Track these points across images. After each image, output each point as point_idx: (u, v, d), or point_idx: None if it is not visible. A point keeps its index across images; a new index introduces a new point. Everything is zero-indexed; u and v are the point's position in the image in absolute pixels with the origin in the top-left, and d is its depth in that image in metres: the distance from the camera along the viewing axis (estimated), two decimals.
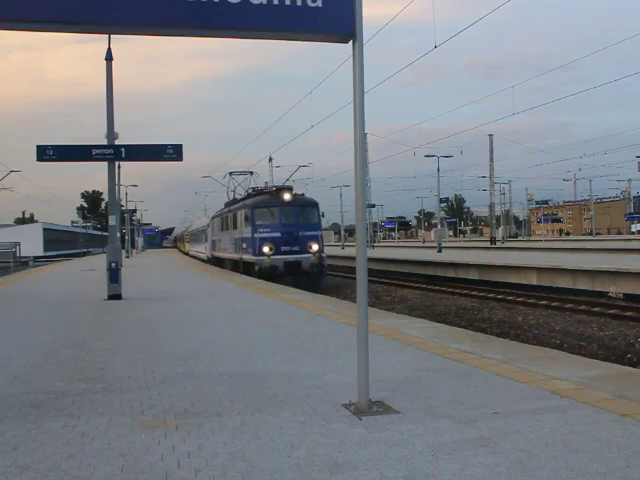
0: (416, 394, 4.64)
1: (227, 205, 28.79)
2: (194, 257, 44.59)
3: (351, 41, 4.39)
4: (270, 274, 19.35)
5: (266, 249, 19.98)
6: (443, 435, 3.70)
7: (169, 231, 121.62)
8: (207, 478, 3.13)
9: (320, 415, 4.17)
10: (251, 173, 29.67)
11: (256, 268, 19.90)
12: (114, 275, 12.97)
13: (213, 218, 32.43)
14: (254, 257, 20.25)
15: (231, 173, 30.04)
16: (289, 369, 5.64)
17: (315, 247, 20.31)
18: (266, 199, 21.52)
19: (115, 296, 12.75)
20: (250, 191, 24.94)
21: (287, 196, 20.84)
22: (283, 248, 20.16)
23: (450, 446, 3.50)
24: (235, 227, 23.63)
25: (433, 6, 17.37)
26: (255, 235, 20.50)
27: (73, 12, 4.00)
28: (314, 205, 21.93)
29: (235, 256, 23.44)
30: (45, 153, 13.01)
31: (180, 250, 68.11)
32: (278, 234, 20.28)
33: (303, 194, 22.80)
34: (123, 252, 25.00)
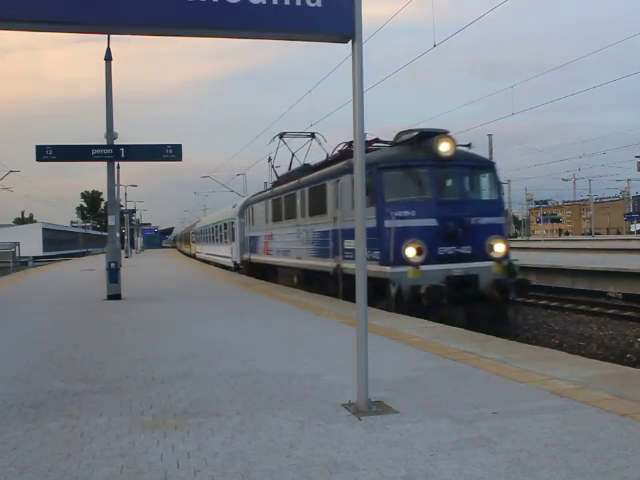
0: (415, 394, 4.64)
1: (285, 179, 18.14)
2: (205, 261, 34.94)
3: (350, 41, 4.39)
4: (431, 302, 9.67)
5: (411, 252, 10.18)
6: (442, 435, 3.70)
7: (168, 231, 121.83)
8: (206, 478, 3.13)
9: (319, 415, 4.17)
10: (313, 136, 18.79)
11: (392, 290, 9.98)
12: (113, 275, 12.99)
13: (247, 205, 22.77)
14: (386, 268, 10.13)
15: (282, 136, 19.06)
16: (288, 369, 5.64)
17: (500, 247, 10.82)
18: (403, 154, 11.13)
19: (114, 296, 12.77)
20: (344, 146, 13.77)
21: (445, 147, 10.77)
22: (442, 249, 10.42)
23: (449, 446, 3.50)
24: (320, 211, 13.46)
25: (433, 6, 17.36)
26: (387, 223, 10.40)
27: (73, 12, 4.00)
28: (490, 167, 11.94)
29: (321, 264, 13.31)
30: (44, 153, 13.03)
31: (181, 251, 67.13)
32: (433, 221, 10.44)
33: (470, 144, 12.10)
34: (122, 252, 24.98)
